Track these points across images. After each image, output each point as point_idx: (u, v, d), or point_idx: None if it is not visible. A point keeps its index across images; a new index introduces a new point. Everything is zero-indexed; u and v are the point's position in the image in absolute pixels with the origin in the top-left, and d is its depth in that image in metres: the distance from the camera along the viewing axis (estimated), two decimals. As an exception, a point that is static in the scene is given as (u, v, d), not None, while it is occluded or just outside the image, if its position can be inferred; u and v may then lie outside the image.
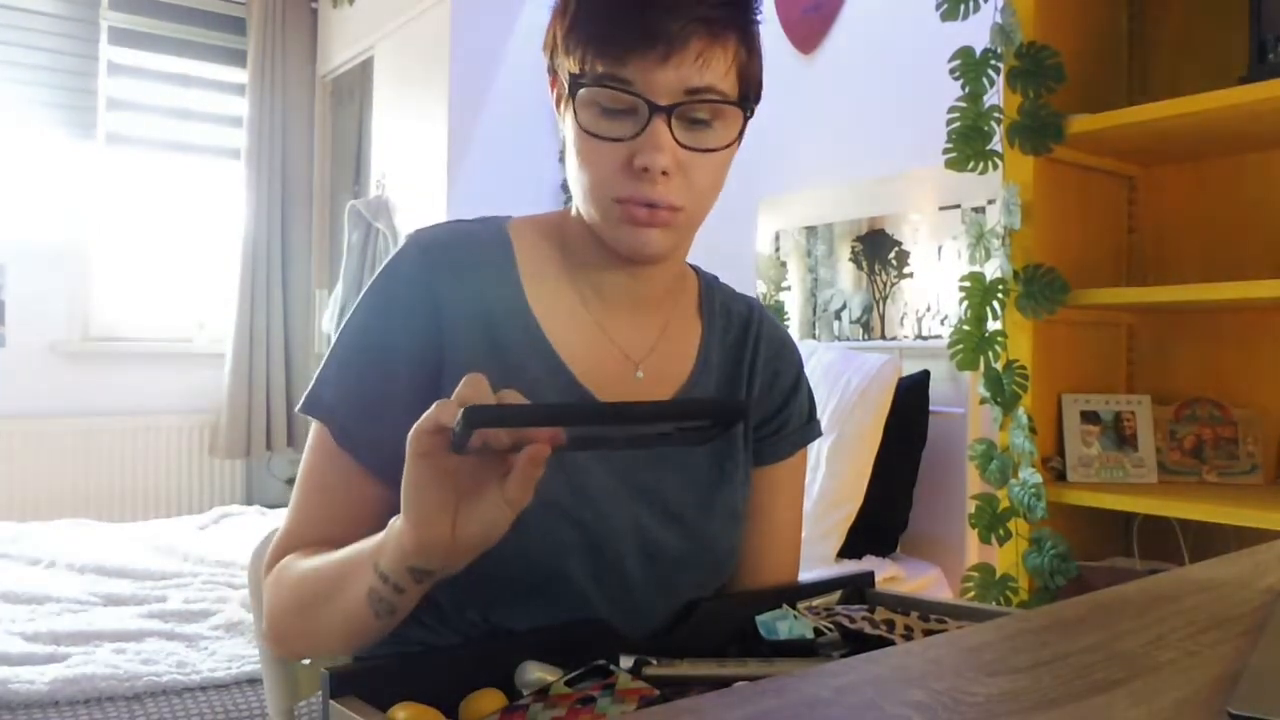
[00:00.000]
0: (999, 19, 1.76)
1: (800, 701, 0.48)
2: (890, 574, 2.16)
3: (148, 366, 4.04)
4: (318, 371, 0.85)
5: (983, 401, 1.82)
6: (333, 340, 0.86)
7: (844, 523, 2.18)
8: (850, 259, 2.66)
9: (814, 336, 2.75)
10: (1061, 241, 1.85)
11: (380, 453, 0.81)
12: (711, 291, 0.99)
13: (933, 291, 2.44)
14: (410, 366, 0.82)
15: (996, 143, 1.79)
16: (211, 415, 4.12)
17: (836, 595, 0.96)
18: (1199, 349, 1.93)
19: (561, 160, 0.91)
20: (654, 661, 0.76)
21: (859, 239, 2.63)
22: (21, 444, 3.72)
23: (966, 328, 1.80)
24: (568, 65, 0.81)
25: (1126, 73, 2.01)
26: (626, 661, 0.76)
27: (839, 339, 2.68)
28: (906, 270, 2.50)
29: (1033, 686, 0.50)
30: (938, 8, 1.81)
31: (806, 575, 1.01)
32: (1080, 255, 1.89)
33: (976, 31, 1.83)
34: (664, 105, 0.78)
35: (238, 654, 1.79)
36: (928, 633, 0.86)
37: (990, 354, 1.79)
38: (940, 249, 2.42)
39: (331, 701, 0.65)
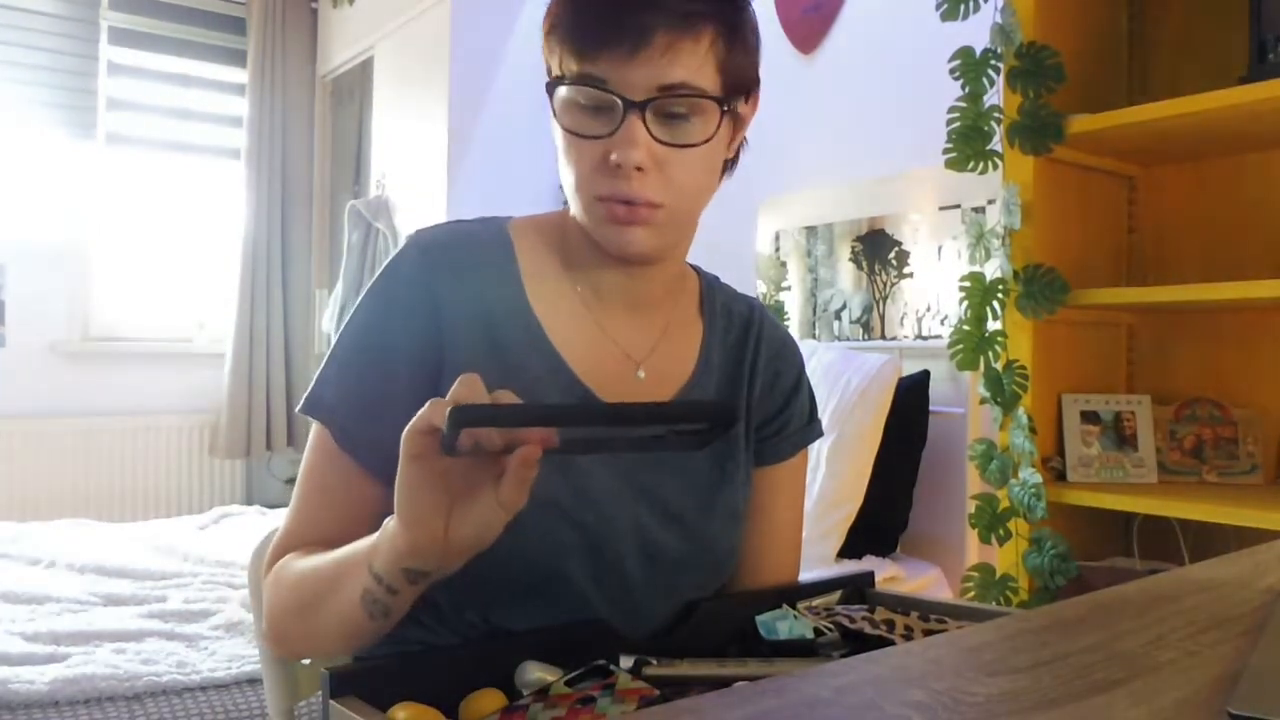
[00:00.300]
0: (999, 19, 1.76)
1: (800, 701, 0.48)
2: (890, 574, 2.16)
3: (148, 366, 4.04)
4: (318, 372, 0.85)
5: (983, 401, 1.82)
6: (333, 341, 0.86)
7: (844, 523, 2.18)
8: (850, 259, 2.66)
9: (814, 336, 2.75)
10: (1061, 241, 1.85)
11: (380, 453, 0.81)
12: (712, 292, 0.99)
13: (933, 291, 2.44)
14: (410, 367, 0.82)
15: (996, 143, 1.79)
16: (211, 415, 4.12)
17: (836, 595, 0.96)
18: (1199, 349, 1.93)
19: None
20: (654, 661, 0.76)
21: (859, 239, 2.63)
22: (21, 444, 3.72)
23: (966, 328, 1.80)
24: (552, 67, 0.82)
25: (1126, 73, 2.01)
26: (626, 661, 0.76)
27: (839, 339, 2.68)
28: (906, 270, 2.50)
29: (1033, 686, 0.50)
30: (938, 8, 1.81)
31: (806, 575, 1.01)
32: (1080, 255, 1.89)
33: (976, 31, 1.83)
34: (638, 101, 0.78)
35: (238, 654, 1.79)
36: (928, 633, 0.86)
37: (990, 354, 1.79)
38: (940, 249, 2.42)
39: (331, 701, 0.65)
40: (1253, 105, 1.55)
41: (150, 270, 4.10)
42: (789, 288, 2.84)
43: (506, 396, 0.64)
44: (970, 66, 1.78)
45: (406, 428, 0.63)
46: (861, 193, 2.62)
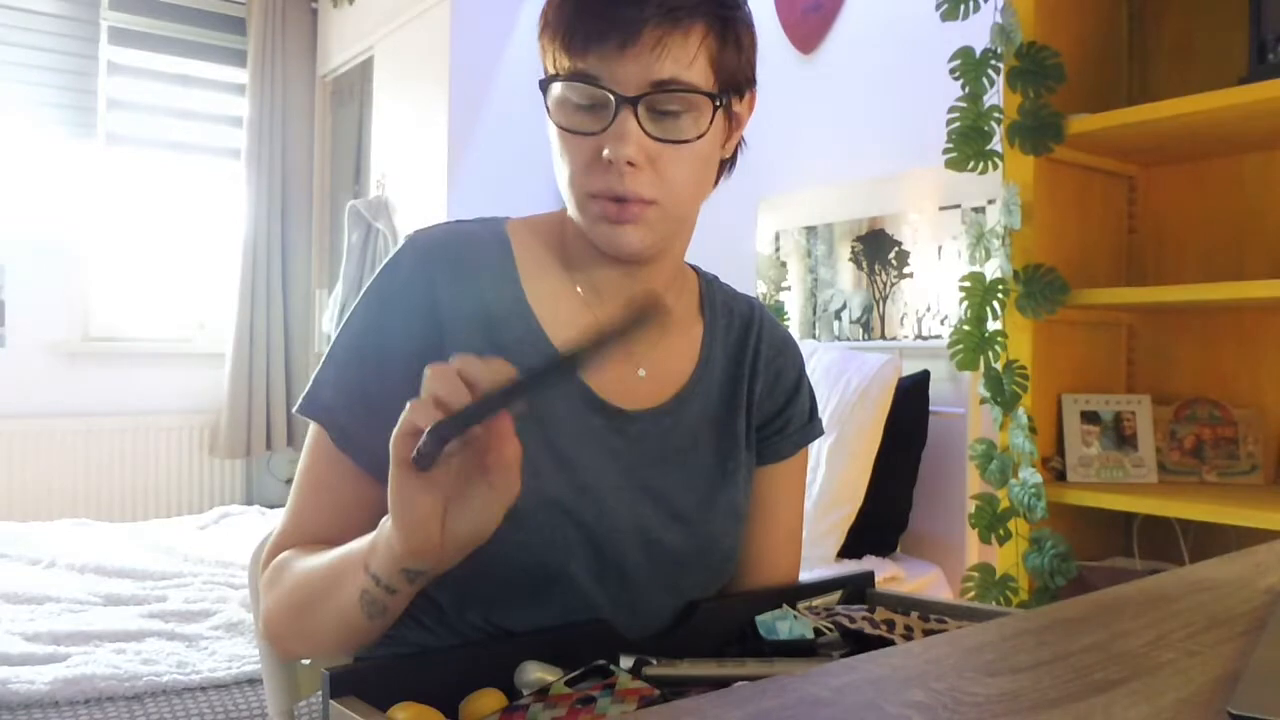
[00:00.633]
0: (999, 19, 1.76)
1: (800, 701, 0.48)
2: (890, 574, 2.16)
3: (148, 366, 4.04)
4: (315, 372, 0.85)
5: (983, 401, 1.82)
6: (331, 341, 0.86)
7: (844, 523, 2.19)
8: (850, 259, 2.66)
9: (814, 336, 2.75)
10: (1061, 241, 1.85)
11: (377, 454, 0.80)
12: (712, 290, 0.99)
13: (933, 291, 2.44)
14: (408, 367, 0.82)
15: (996, 143, 1.79)
16: (211, 415, 4.12)
17: (836, 595, 0.96)
18: (1199, 349, 1.93)
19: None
20: (654, 661, 0.76)
21: (859, 239, 2.63)
22: (21, 444, 3.72)
23: (966, 328, 1.80)
24: (545, 66, 0.82)
25: (1126, 73, 2.01)
26: (626, 661, 0.76)
27: (839, 339, 2.68)
28: (906, 270, 2.50)
29: (1033, 686, 0.50)
30: (938, 8, 1.81)
31: (806, 575, 1.01)
32: (1080, 255, 1.89)
33: (976, 31, 1.83)
34: (630, 97, 0.78)
35: (238, 654, 1.79)
36: (928, 633, 0.86)
37: (990, 354, 1.79)
38: (940, 249, 2.42)
39: (331, 701, 0.65)
40: (1253, 105, 1.55)
41: (150, 270, 4.10)
42: (789, 288, 2.84)
43: (472, 365, 0.63)
44: (970, 66, 1.78)
45: (394, 434, 0.63)
46: (861, 193, 2.62)
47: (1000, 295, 1.78)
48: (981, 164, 1.78)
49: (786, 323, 2.81)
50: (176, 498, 4.05)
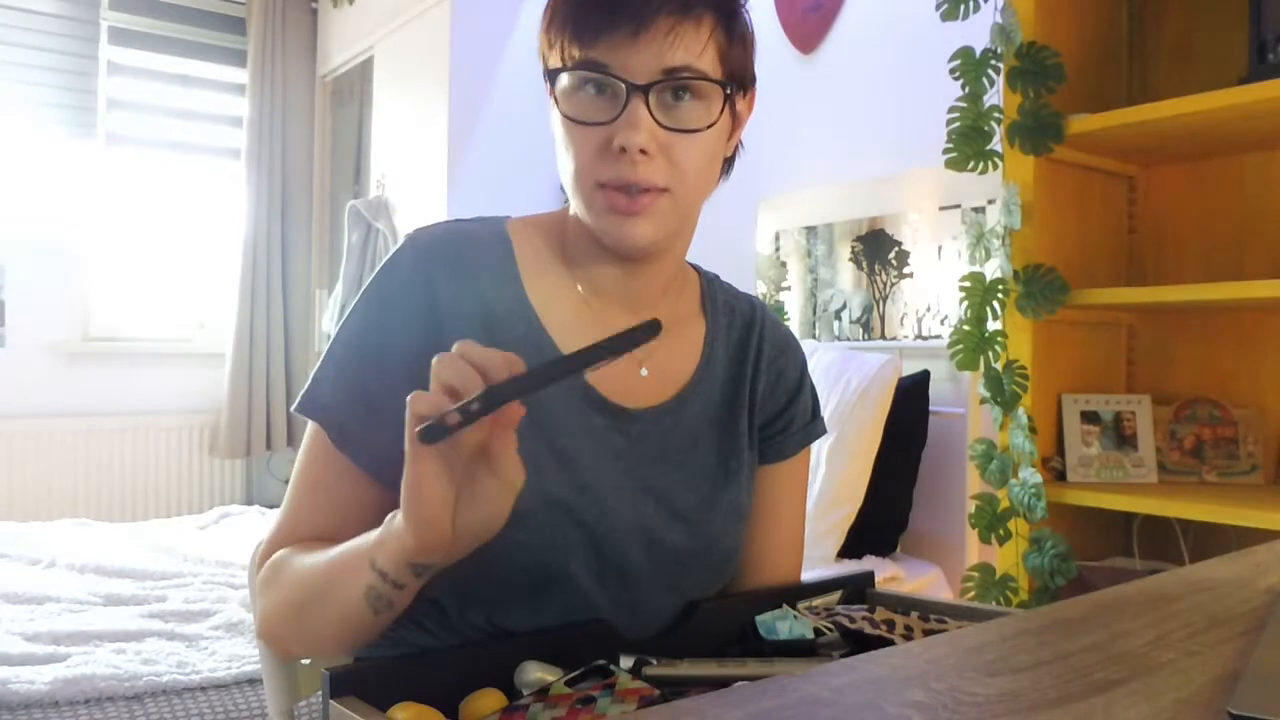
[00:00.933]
0: (999, 19, 1.76)
1: (800, 701, 0.48)
2: (890, 574, 2.16)
3: (148, 366, 4.04)
4: (314, 371, 0.85)
5: (983, 401, 1.82)
6: (330, 340, 0.86)
7: (844, 523, 2.19)
8: (850, 259, 2.66)
9: (814, 336, 2.75)
10: (1061, 241, 1.85)
11: (376, 453, 0.81)
12: (713, 289, 0.99)
13: (933, 291, 2.44)
14: (408, 366, 0.82)
15: (996, 143, 1.79)
16: (211, 415, 4.12)
17: (836, 595, 0.96)
18: (1199, 349, 1.93)
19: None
20: (654, 661, 0.76)
21: (859, 239, 2.63)
22: (21, 444, 3.72)
23: (966, 328, 1.80)
24: (551, 60, 0.82)
25: (1126, 73, 2.01)
26: (626, 661, 0.76)
27: (839, 339, 2.68)
28: (906, 270, 2.50)
29: (1033, 686, 0.50)
30: (938, 8, 1.81)
31: (806, 575, 1.01)
32: (1080, 255, 1.89)
33: (976, 31, 1.83)
34: (641, 85, 0.78)
35: (238, 654, 1.79)
36: (928, 633, 0.86)
37: (990, 354, 1.79)
38: (940, 249, 2.42)
39: (331, 701, 0.65)
40: (1252, 105, 1.55)
41: (150, 270, 4.10)
42: (789, 288, 2.84)
43: (475, 351, 0.64)
44: (970, 66, 1.77)
45: (408, 431, 0.63)
46: (861, 193, 2.62)
47: (1000, 295, 1.78)
48: (981, 164, 1.78)
49: (786, 322, 2.81)
50: (176, 498, 4.05)
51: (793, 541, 1.01)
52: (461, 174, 3.42)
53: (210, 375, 4.13)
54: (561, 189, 0.87)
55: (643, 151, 0.78)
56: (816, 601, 0.93)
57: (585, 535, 0.82)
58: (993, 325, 1.81)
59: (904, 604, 0.92)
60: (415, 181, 3.60)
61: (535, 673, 0.72)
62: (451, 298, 0.83)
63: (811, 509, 2.17)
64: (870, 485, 2.20)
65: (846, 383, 2.23)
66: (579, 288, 0.89)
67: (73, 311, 3.89)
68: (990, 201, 2.28)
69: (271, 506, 3.56)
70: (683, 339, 0.94)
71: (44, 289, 3.81)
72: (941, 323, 2.41)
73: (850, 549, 2.24)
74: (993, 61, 1.77)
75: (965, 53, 1.78)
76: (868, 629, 0.83)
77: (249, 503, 4.15)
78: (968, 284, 1.80)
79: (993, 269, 1.80)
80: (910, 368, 2.35)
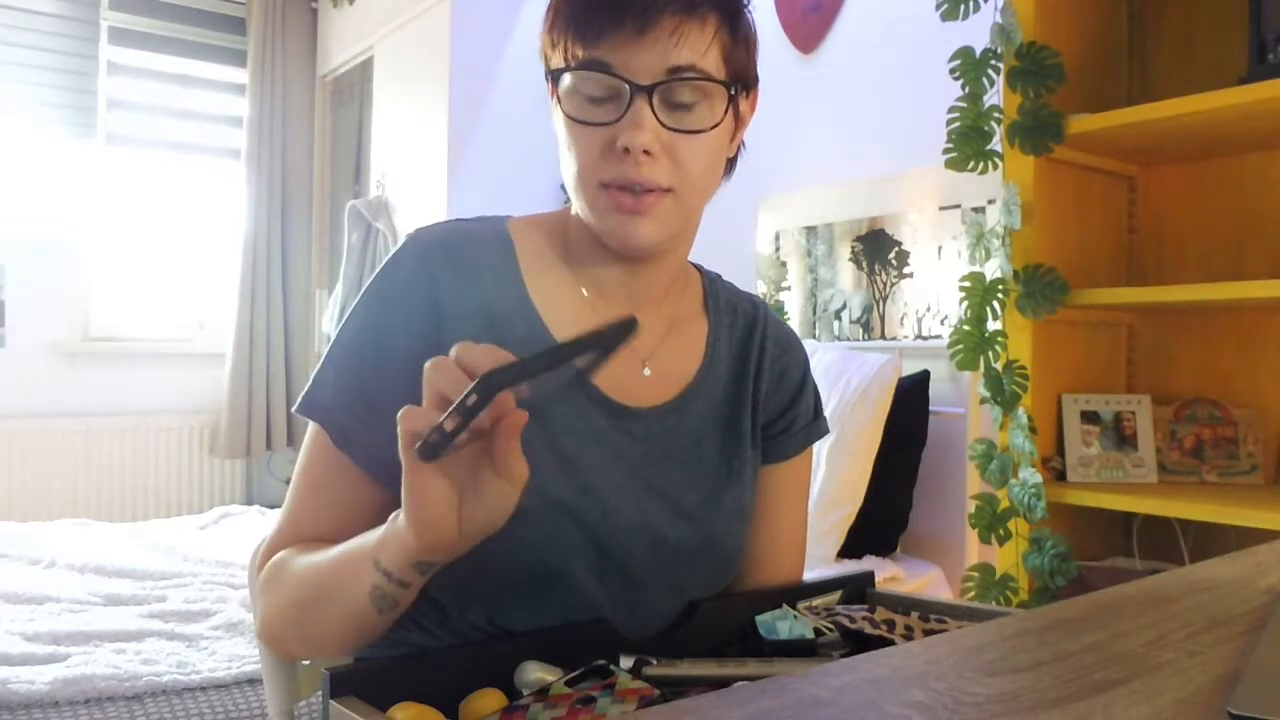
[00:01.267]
0: (999, 19, 1.76)
1: (800, 701, 0.48)
2: (890, 574, 2.16)
3: (148, 366, 4.04)
4: (314, 372, 0.85)
5: (983, 401, 1.82)
6: (331, 340, 0.86)
7: (844, 523, 2.19)
8: (850, 259, 2.66)
9: (814, 336, 2.75)
10: (1061, 241, 1.85)
11: (377, 454, 0.81)
12: (715, 289, 0.99)
13: (933, 291, 2.44)
14: (409, 367, 0.81)
15: (996, 143, 1.79)
16: (211, 415, 4.12)
17: (836, 595, 0.96)
18: (1199, 349, 1.93)
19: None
20: (654, 661, 0.76)
21: (859, 239, 2.63)
22: (21, 444, 3.72)
23: (966, 328, 1.80)
24: (554, 60, 0.82)
25: (1126, 73, 2.01)
26: (626, 661, 0.76)
27: (839, 339, 2.68)
28: (906, 270, 2.50)
29: (1033, 686, 0.50)
30: (938, 8, 1.81)
31: (806, 575, 1.01)
32: (1080, 255, 1.89)
33: (976, 31, 1.83)
34: (645, 85, 0.77)
35: (238, 654, 1.79)
36: (928, 633, 0.86)
37: (990, 354, 1.79)
38: (940, 249, 2.42)
39: (331, 701, 0.65)
40: (1253, 105, 1.55)
41: (150, 270, 4.10)
42: (789, 288, 2.84)
43: (471, 352, 0.63)
44: (970, 66, 1.78)
45: (403, 449, 0.63)
46: (861, 193, 2.62)
47: (1000, 295, 1.78)
48: (981, 164, 1.78)
49: (786, 322, 2.81)
50: (176, 498, 4.05)
51: (795, 542, 1.01)
52: (461, 174, 3.42)
53: (210, 375, 4.13)
54: (562, 189, 0.87)
55: (646, 152, 0.78)
56: (816, 601, 0.93)
57: (587, 535, 0.82)
58: (993, 325, 1.81)
59: (904, 604, 0.92)
60: (415, 181, 3.60)
61: (535, 673, 0.72)
62: (453, 298, 0.83)
63: (812, 509, 2.17)
64: (870, 485, 2.20)
65: (846, 383, 2.23)
66: (581, 288, 0.89)
67: (73, 311, 3.89)
68: (990, 201, 2.28)
69: (271, 507, 3.56)
70: (685, 338, 0.94)
71: (44, 289, 3.81)
72: (941, 323, 2.41)
73: (850, 549, 2.24)
74: (993, 61, 1.77)
75: (965, 53, 1.78)
76: (868, 629, 0.83)
77: (249, 503, 4.14)
78: (968, 284, 1.80)
79: (993, 269, 1.80)
80: (910, 368, 2.35)
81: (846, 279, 2.67)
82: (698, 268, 1.00)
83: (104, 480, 3.88)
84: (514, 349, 0.84)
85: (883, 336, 2.56)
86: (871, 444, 2.19)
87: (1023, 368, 1.75)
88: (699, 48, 0.78)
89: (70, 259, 3.87)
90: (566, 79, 0.80)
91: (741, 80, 0.83)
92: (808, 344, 2.57)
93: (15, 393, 3.75)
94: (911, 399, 2.28)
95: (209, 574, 2.35)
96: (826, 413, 1.07)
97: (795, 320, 2.81)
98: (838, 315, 2.69)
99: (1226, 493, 1.70)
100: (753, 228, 2.95)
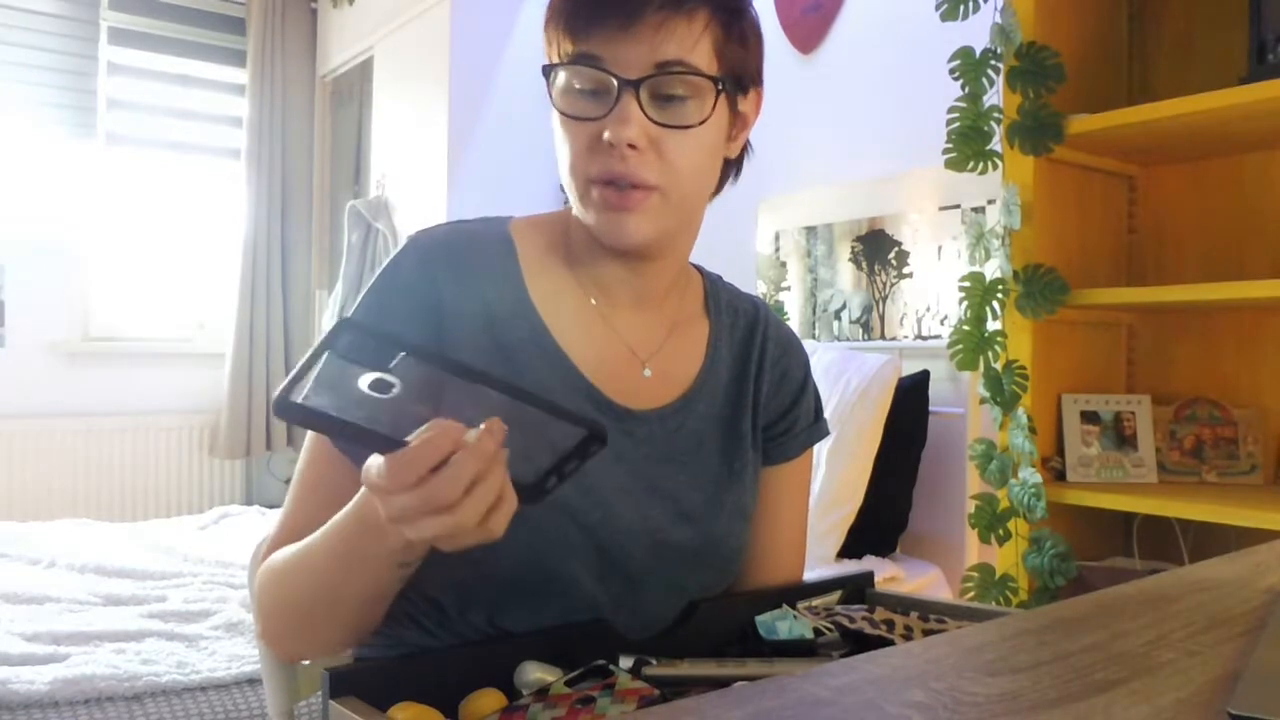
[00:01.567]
0: (999, 19, 1.76)
1: (800, 701, 0.48)
2: (890, 574, 2.16)
3: (148, 366, 4.04)
4: (316, 373, 0.85)
5: (983, 401, 1.82)
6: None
7: (844, 523, 2.18)
8: (850, 259, 2.66)
9: (814, 336, 2.75)
10: (1061, 241, 1.85)
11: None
12: (716, 290, 0.99)
13: (933, 291, 2.44)
14: (410, 367, 0.82)
15: (996, 143, 1.79)
16: (211, 415, 4.12)
17: (836, 595, 0.96)
18: (1199, 349, 1.93)
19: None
20: (654, 661, 0.76)
21: (859, 239, 2.63)
22: (21, 444, 3.72)
23: (966, 328, 1.80)
24: (549, 56, 0.82)
25: (1126, 73, 2.01)
26: (626, 661, 0.76)
27: (839, 339, 2.68)
28: (906, 270, 2.50)
29: (1033, 686, 0.50)
30: (938, 8, 1.81)
31: (806, 575, 1.01)
32: (1080, 255, 1.89)
33: (976, 31, 1.83)
34: (631, 79, 0.77)
35: (238, 654, 1.79)
36: (928, 633, 0.86)
37: (990, 354, 1.79)
38: (940, 249, 2.42)
39: (331, 701, 0.65)
40: (1253, 105, 1.55)
41: (150, 270, 4.10)
42: (789, 288, 2.84)
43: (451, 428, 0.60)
44: (970, 66, 1.77)
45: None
46: (861, 193, 2.62)
47: (1000, 295, 1.78)
48: (981, 164, 1.78)
49: (786, 323, 2.81)
50: (176, 498, 4.04)
51: (795, 543, 1.01)
52: (461, 174, 3.42)
53: (210, 375, 4.13)
54: (562, 189, 0.87)
55: (632, 146, 0.78)
56: (816, 601, 0.93)
57: (588, 537, 0.82)
58: (993, 325, 1.81)
59: (904, 604, 0.92)
60: (415, 181, 3.60)
61: (535, 673, 0.72)
62: (454, 299, 0.83)
63: (811, 509, 2.16)
64: (870, 485, 2.20)
65: (846, 383, 2.23)
66: (582, 287, 0.89)
67: (73, 311, 3.89)
68: (990, 201, 2.28)
69: (271, 507, 3.56)
70: (687, 340, 0.93)
71: (44, 289, 3.81)
72: (941, 323, 2.41)
73: (850, 549, 2.23)
74: (992, 61, 1.77)
75: (965, 53, 1.78)
76: (868, 629, 0.83)
77: (249, 503, 4.14)
78: (967, 284, 1.80)
79: (993, 269, 1.80)
80: (910, 368, 2.35)
81: (846, 279, 2.67)
82: (699, 269, 1.00)
83: (104, 480, 3.88)
84: (515, 350, 0.84)
85: (882, 336, 2.56)
86: (871, 444, 2.19)
87: (1022, 368, 1.75)
88: (686, 42, 0.78)
89: (70, 259, 3.87)
90: (558, 75, 0.81)
91: (735, 77, 0.83)
92: (807, 344, 2.56)
93: (15, 393, 3.74)
94: (911, 399, 2.28)
95: (209, 574, 2.34)
96: (826, 413, 1.07)
97: (795, 320, 2.81)
98: (837, 315, 2.69)
99: (1226, 493, 1.70)
100: (753, 228, 2.95)
